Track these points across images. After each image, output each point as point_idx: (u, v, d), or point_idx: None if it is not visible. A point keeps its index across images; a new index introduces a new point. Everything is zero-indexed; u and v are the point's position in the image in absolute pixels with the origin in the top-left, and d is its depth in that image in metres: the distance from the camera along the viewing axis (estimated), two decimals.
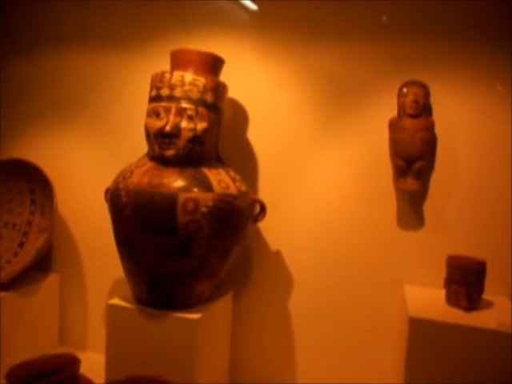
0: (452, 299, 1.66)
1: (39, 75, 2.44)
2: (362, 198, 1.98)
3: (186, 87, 1.73)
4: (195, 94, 1.73)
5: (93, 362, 1.98)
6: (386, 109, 1.88)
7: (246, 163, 2.09)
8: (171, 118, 1.69)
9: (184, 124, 1.69)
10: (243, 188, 1.80)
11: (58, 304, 2.39)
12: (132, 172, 1.73)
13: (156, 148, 1.72)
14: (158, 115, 1.72)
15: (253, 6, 2.10)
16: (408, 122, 1.79)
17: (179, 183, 1.65)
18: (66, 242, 2.42)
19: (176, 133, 1.69)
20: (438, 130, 1.83)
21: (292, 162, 2.07)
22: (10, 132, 2.48)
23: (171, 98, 1.72)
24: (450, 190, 1.86)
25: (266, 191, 2.08)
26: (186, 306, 1.74)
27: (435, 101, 1.84)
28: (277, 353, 2.11)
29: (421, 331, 1.54)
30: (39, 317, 2.29)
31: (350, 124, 1.99)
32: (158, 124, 1.70)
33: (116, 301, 1.81)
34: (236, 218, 1.74)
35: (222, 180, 1.73)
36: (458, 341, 1.51)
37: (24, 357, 1.97)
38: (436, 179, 1.87)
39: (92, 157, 2.38)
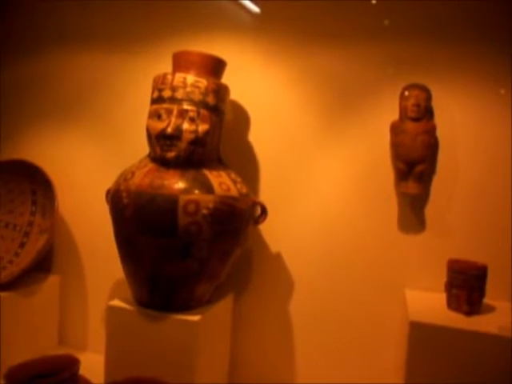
0: (453, 303, 1.65)
1: (41, 76, 2.45)
2: (363, 200, 1.97)
3: (188, 89, 1.73)
4: (197, 96, 1.73)
5: (93, 363, 1.97)
6: (388, 112, 1.88)
7: (247, 165, 2.09)
8: (173, 119, 1.69)
9: (185, 126, 1.69)
10: (244, 190, 1.79)
11: (58, 305, 2.39)
12: (133, 173, 1.73)
13: (157, 150, 1.72)
14: (159, 117, 1.72)
15: (255, 9, 2.11)
16: (409, 126, 1.78)
17: (180, 185, 1.65)
18: (67, 243, 2.42)
19: (177, 135, 1.69)
20: (439, 133, 1.83)
21: (293, 164, 2.06)
22: (12, 132, 2.49)
23: (173, 99, 1.73)
24: (451, 194, 1.86)
25: (267, 193, 2.08)
26: (187, 307, 1.74)
27: (437, 104, 1.84)
28: (277, 355, 2.11)
29: (421, 335, 1.53)
30: (39, 317, 2.29)
31: (351, 127, 1.99)
32: (159, 126, 1.71)
33: (116, 302, 1.80)
34: (237, 220, 1.73)
35: (222, 182, 1.73)
36: (459, 345, 1.50)
37: (24, 357, 1.96)
38: (437, 183, 1.87)
39: (93, 158, 2.38)
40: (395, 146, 1.83)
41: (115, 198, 1.73)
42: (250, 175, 2.08)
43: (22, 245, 2.31)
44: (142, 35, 2.24)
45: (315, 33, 2.02)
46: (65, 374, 1.50)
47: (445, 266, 1.70)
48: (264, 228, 2.08)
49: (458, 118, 1.85)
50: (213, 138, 1.79)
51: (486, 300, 1.67)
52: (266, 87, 2.09)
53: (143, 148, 1.85)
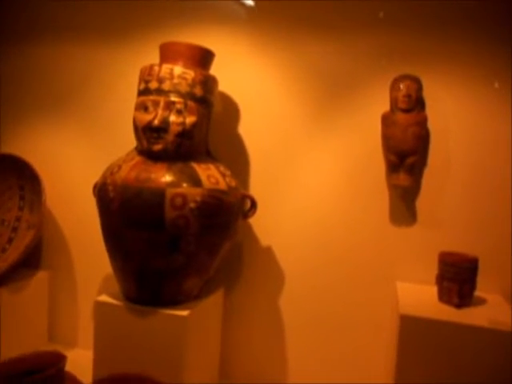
0: (444, 296, 1.64)
1: (30, 70, 2.40)
2: (355, 193, 1.95)
3: (175, 80, 1.70)
4: (184, 88, 1.70)
5: (82, 360, 1.96)
6: (379, 103, 1.85)
7: (237, 158, 2.06)
8: (159, 111, 1.66)
9: (172, 118, 1.66)
10: (233, 183, 1.77)
11: (47, 301, 2.36)
12: (120, 167, 1.70)
13: (144, 142, 1.69)
14: (146, 109, 1.69)
15: (245, 0, 2.07)
16: (400, 117, 1.76)
17: (167, 178, 1.62)
18: (56, 238, 2.39)
19: (164, 127, 1.66)
20: (431, 124, 1.81)
21: (284, 157, 2.04)
22: (1, 127, 2.45)
23: (160, 91, 1.69)
24: (443, 186, 1.84)
25: (257, 187, 2.06)
26: (175, 302, 1.71)
27: (428, 95, 1.81)
28: (268, 350, 2.09)
29: (412, 329, 1.52)
30: (28, 314, 2.26)
31: (342, 119, 1.96)
32: (146, 118, 1.67)
33: (104, 297, 1.78)
34: (225, 214, 1.71)
35: (211, 175, 1.70)
36: (449, 338, 1.49)
37: (13, 354, 1.95)
38: (429, 175, 1.85)
39: (83, 151, 2.35)
40: (386, 138, 1.81)
41: (101, 192, 1.70)
42: (240, 168, 2.05)
43: (9, 240, 2.28)
44: (133, 27, 2.20)
45: (307, 24, 1.98)
46: (51, 371, 1.47)
47: (436, 258, 1.69)
48: (254, 222, 2.05)
49: (450, 110, 1.83)
50: (201, 131, 1.76)
51: (478, 293, 1.66)
52: (257, 79, 2.06)
53: (133, 141, 1.81)
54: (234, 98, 2.07)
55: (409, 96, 1.74)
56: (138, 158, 1.71)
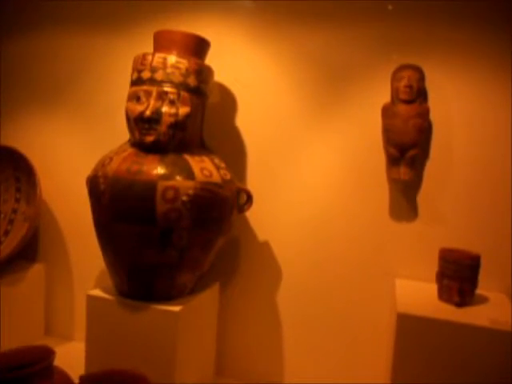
0: (444, 294, 1.58)
1: (24, 61, 2.36)
2: (354, 187, 1.90)
3: (168, 70, 1.65)
4: (177, 78, 1.65)
5: (79, 353, 1.93)
6: (380, 95, 1.79)
7: (233, 150, 2.02)
8: (152, 102, 1.62)
9: (165, 109, 1.62)
10: (228, 176, 1.72)
11: (43, 294, 2.35)
12: (111, 159, 1.66)
13: (136, 134, 1.65)
14: (138, 99, 1.65)
15: None
16: (401, 108, 1.70)
17: (159, 170, 1.57)
18: (53, 231, 2.36)
19: (156, 118, 1.61)
20: (433, 116, 1.74)
21: (282, 149, 1.99)
22: None
23: (152, 81, 1.65)
24: (445, 180, 1.78)
25: (254, 180, 2.01)
26: (167, 297, 1.68)
27: (431, 86, 1.75)
28: (265, 346, 2.05)
29: (409, 328, 1.46)
30: (24, 306, 2.25)
31: (342, 111, 1.90)
32: (138, 108, 1.63)
33: (96, 292, 1.75)
34: (219, 208, 1.66)
35: (204, 168, 1.66)
36: (448, 338, 1.43)
37: (9, 347, 1.94)
38: (431, 168, 1.79)
39: (79, 144, 2.31)
40: (386, 130, 1.75)
41: (92, 184, 1.67)
42: (237, 161, 2.00)
43: (6, 232, 2.26)
44: (127, 16, 2.15)
45: (305, 14, 1.92)
46: (39, 366, 1.45)
47: (437, 255, 1.63)
48: (251, 216, 2.01)
49: (454, 101, 1.76)
50: (195, 122, 1.71)
51: (479, 291, 1.60)
52: (254, 70, 2.00)
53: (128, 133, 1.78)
54: (231, 88, 2.02)
55: (410, 86, 1.68)
56: (130, 150, 1.67)
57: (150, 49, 1.80)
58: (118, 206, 1.57)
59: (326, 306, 1.95)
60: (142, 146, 1.65)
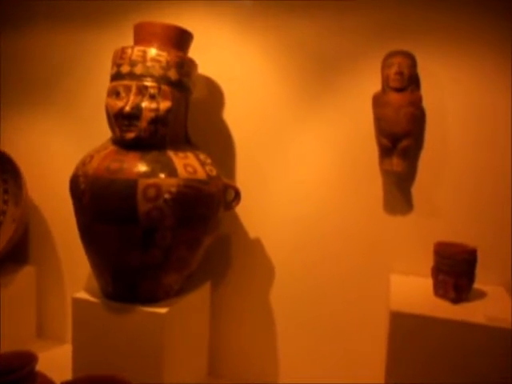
0: (439, 290, 1.52)
1: (7, 61, 2.30)
2: (347, 180, 1.83)
3: (148, 63, 1.59)
4: (157, 71, 1.59)
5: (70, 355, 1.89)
6: (371, 83, 1.72)
7: (221, 146, 1.96)
8: (131, 97, 1.56)
9: (145, 104, 1.56)
10: (214, 172, 1.66)
11: (35, 296, 2.31)
12: (92, 157, 1.61)
13: (117, 130, 1.60)
14: (117, 95, 1.59)
15: None
16: (392, 97, 1.62)
17: (140, 168, 1.52)
18: (43, 232, 2.32)
19: (136, 113, 1.55)
20: (426, 104, 1.67)
21: (271, 143, 1.92)
22: None
23: (132, 75, 1.59)
24: (440, 171, 1.70)
25: (243, 175, 1.95)
26: (154, 299, 1.63)
27: (423, 72, 1.67)
28: (259, 346, 2.00)
29: (403, 326, 1.40)
30: (16, 309, 2.21)
31: (331, 101, 1.83)
32: (117, 104, 1.57)
33: (81, 294, 1.71)
34: (204, 205, 1.61)
35: (188, 164, 1.60)
36: (444, 336, 1.37)
37: (2, 350, 1.90)
38: (425, 159, 1.72)
39: (67, 144, 2.26)
40: (378, 120, 1.68)
41: (73, 184, 1.62)
42: (225, 156, 1.94)
43: None
44: (110, 10, 2.08)
45: (292, 3, 1.84)
46: (21, 372, 1.41)
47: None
48: (242, 213, 1.95)
49: (448, 88, 1.68)
50: (177, 117, 1.65)
51: (477, 285, 1.53)
52: (241, 61, 1.93)
53: None
54: (218, 81, 1.95)
55: (401, 73, 1.60)
56: (111, 148, 1.62)
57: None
58: (99, 205, 1.52)
59: (321, 304, 1.89)
60: (122, 143, 1.59)
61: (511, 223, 1.62)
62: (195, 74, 1.75)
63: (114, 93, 1.60)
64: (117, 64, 1.63)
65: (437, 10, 1.67)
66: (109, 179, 1.51)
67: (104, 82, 2.11)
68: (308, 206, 1.88)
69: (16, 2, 2.26)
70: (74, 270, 2.28)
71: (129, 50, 1.62)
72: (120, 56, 1.63)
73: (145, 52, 1.60)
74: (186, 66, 1.66)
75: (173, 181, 1.52)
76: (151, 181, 1.50)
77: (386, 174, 1.74)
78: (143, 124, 1.55)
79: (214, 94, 1.95)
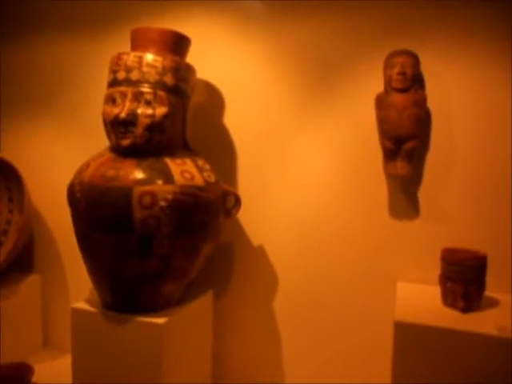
0: (447, 299, 1.45)
1: (10, 70, 2.31)
2: (350, 185, 1.77)
3: (144, 69, 1.57)
4: (153, 77, 1.56)
5: None
6: (375, 85, 1.67)
7: (222, 151, 1.92)
8: (127, 103, 1.54)
9: (141, 110, 1.53)
10: (212, 178, 1.62)
11: (40, 305, 2.30)
12: (88, 165, 1.59)
13: (113, 137, 1.57)
14: (114, 101, 1.57)
15: None
16: (395, 98, 1.57)
17: (135, 175, 1.49)
18: (48, 241, 2.31)
19: (132, 120, 1.53)
20: (431, 104, 1.61)
21: (272, 148, 1.88)
22: None
23: (128, 81, 1.57)
24: (447, 174, 1.64)
25: (245, 181, 1.91)
26: (153, 308, 1.59)
27: (428, 72, 1.62)
28: (263, 354, 1.95)
29: (407, 336, 1.34)
30: (21, 319, 2.20)
31: (333, 104, 1.79)
32: (113, 111, 1.55)
33: (80, 304, 1.68)
34: (202, 212, 1.57)
35: (185, 170, 1.56)
36: (452, 348, 1.30)
37: (7, 360, 1.90)
38: (431, 162, 1.65)
39: (69, 153, 2.25)
40: (381, 122, 1.62)
41: (70, 193, 1.60)
42: (226, 162, 1.91)
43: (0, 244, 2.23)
44: (109, 18, 2.07)
45: (292, 3, 1.81)
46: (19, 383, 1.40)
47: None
48: (244, 220, 1.92)
49: (453, 87, 1.62)
50: (174, 123, 1.62)
51: (488, 293, 1.46)
52: (241, 65, 1.90)
53: None
54: (218, 86, 1.92)
55: (403, 73, 1.54)
56: (107, 155, 1.60)
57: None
58: (94, 214, 1.50)
59: (325, 312, 1.83)
60: (119, 151, 1.57)
61: None
62: (193, 79, 1.72)
63: (111, 100, 1.58)
64: (113, 70, 1.61)
65: (441, 8, 1.62)
66: (104, 187, 1.48)
67: (104, 90, 2.11)
68: (311, 211, 1.83)
69: (15, 13, 2.28)
70: (79, 279, 2.25)
71: (125, 56, 1.60)
72: (116, 62, 1.61)
73: (141, 58, 1.58)
74: (182, 71, 1.63)
75: (169, 188, 1.49)
76: (146, 188, 1.47)
77: (391, 177, 1.68)
78: (139, 130, 1.53)
79: (214, 99, 1.92)
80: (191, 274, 1.65)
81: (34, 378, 1.65)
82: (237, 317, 1.97)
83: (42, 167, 2.28)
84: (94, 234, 1.52)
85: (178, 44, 1.69)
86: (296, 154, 1.85)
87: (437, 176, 1.65)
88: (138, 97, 1.55)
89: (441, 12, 1.61)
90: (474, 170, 1.60)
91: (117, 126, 1.54)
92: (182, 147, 1.70)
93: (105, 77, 2.08)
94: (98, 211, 1.48)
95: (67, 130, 2.25)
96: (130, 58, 1.59)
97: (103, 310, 1.62)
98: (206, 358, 1.88)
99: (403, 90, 1.56)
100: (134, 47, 1.67)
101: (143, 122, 1.53)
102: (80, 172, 1.59)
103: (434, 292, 1.53)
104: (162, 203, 1.47)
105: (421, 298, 1.53)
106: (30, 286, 2.24)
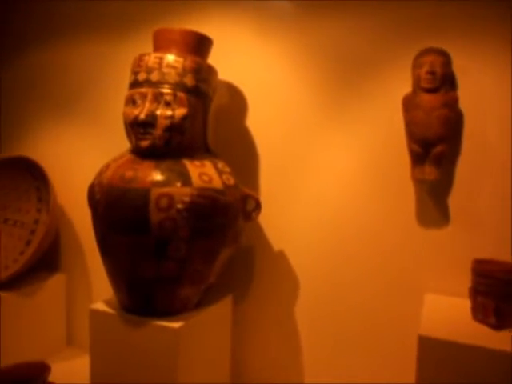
0: (478, 314, 1.35)
1: (39, 72, 2.37)
2: (375, 190, 1.70)
3: (164, 70, 1.56)
4: (173, 78, 1.55)
5: None
6: (402, 86, 1.59)
7: (244, 154, 1.89)
8: (147, 104, 1.53)
9: (160, 111, 1.52)
10: (231, 181, 1.59)
11: (64, 304, 2.34)
12: (108, 166, 1.59)
13: (132, 139, 1.57)
14: (134, 102, 1.56)
15: None
16: (423, 98, 1.48)
17: (153, 177, 1.48)
18: (73, 241, 2.35)
19: (151, 121, 1.51)
20: (464, 106, 1.52)
21: (296, 151, 1.82)
22: (14, 129, 2.45)
23: (148, 82, 1.56)
24: (480, 179, 1.54)
25: (267, 184, 1.87)
26: (170, 312, 1.57)
27: (460, 71, 1.52)
28: (283, 361, 1.89)
29: (432, 352, 1.25)
30: (46, 317, 2.24)
31: (359, 106, 1.72)
32: (133, 112, 1.54)
33: (98, 305, 1.68)
34: (220, 216, 1.53)
35: (204, 173, 1.54)
36: (481, 367, 1.20)
37: (32, 358, 1.93)
38: (463, 166, 1.56)
39: (96, 153, 2.27)
40: (408, 124, 1.54)
41: (90, 194, 1.61)
42: (248, 165, 1.88)
43: (28, 243, 2.27)
44: (134, 19, 2.08)
45: (316, 3, 1.75)
46: (34, 383, 1.41)
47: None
48: (265, 223, 1.87)
49: (488, 87, 1.52)
50: (194, 124, 1.60)
51: None
52: (264, 67, 1.86)
53: None
54: (241, 88, 1.89)
55: (433, 73, 1.46)
56: (127, 157, 1.59)
57: None
58: (112, 215, 1.49)
59: (348, 322, 1.76)
60: (138, 152, 1.56)
61: None
62: (214, 80, 1.69)
63: (131, 101, 1.57)
64: (134, 72, 1.61)
65: (475, 5, 1.52)
66: (122, 188, 1.48)
67: (125, 91, 2.12)
68: (333, 216, 1.76)
69: (40, 17, 2.32)
70: (103, 279, 2.27)
71: (146, 57, 1.60)
72: (138, 64, 1.61)
73: (161, 59, 1.57)
74: (203, 72, 1.61)
75: (186, 190, 1.47)
76: (164, 190, 1.45)
77: (418, 183, 1.59)
78: (158, 132, 1.51)
79: (236, 101, 1.89)
80: (209, 278, 1.62)
81: (54, 377, 1.66)
82: (257, 322, 1.93)
83: (67, 168, 2.32)
84: (111, 236, 1.52)
85: (199, 44, 1.66)
86: (319, 156, 1.79)
87: (469, 181, 1.55)
88: (157, 98, 1.53)
89: (475, 9, 1.51)
90: (510, 176, 1.49)
91: (136, 128, 1.53)
92: (202, 149, 1.67)
93: (128, 78, 2.10)
94: (116, 212, 1.48)
95: (92, 131, 2.27)
96: (151, 59, 1.58)
97: (121, 312, 1.61)
98: (223, 362, 1.84)
99: (432, 90, 1.47)
100: (156, 48, 1.66)
101: (162, 123, 1.51)
102: (100, 173, 1.59)
103: (464, 306, 1.43)
104: (179, 206, 1.45)
105: (449, 312, 1.43)
106: (55, 284, 2.28)
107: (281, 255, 1.87)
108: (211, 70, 1.66)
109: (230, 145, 1.87)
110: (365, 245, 1.71)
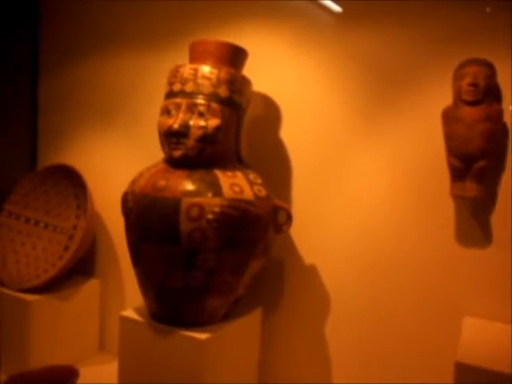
0: None
1: (78, 84, 2.44)
2: (413, 205, 1.63)
3: (199, 81, 1.57)
4: (207, 88, 1.56)
5: None
6: (442, 98, 1.52)
7: (277, 165, 1.87)
8: (180, 115, 1.54)
9: (193, 121, 1.53)
10: (262, 193, 1.57)
11: (98, 309, 2.38)
12: (142, 175, 1.61)
13: (166, 148, 1.59)
14: (168, 113, 1.58)
15: None
16: (465, 111, 1.42)
17: (184, 186, 1.48)
18: (108, 247, 2.40)
19: (184, 131, 1.53)
20: (509, 119, 1.43)
21: (331, 164, 1.79)
22: (53, 138, 2.55)
23: (183, 93, 1.58)
24: None
25: (300, 196, 1.84)
26: (198, 323, 1.57)
27: (506, 84, 1.44)
28: (310, 377, 1.84)
29: (470, 381, 1.17)
30: (80, 321, 2.28)
31: (396, 119, 1.66)
32: (167, 122, 1.57)
33: (128, 313, 1.70)
34: (251, 227, 1.52)
35: (235, 184, 1.53)
36: None
37: (64, 361, 1.97)
38: (508, 182, 1.47)
39: (132, 162, 2.32)
40: (448, 139, 1.47)
41: (123, 202, 1.63)
42: (281, 177, 1.85)
43: (66, 248, 2.34)
44: (171, 32, 2.12)
45: (353, 12, 1.73)
46: None
47: None
48: (297, 236, 1.84)
49: None
50: (227, 135, 1.60)
51: None
52: (298, 79, 1.83)
53: None
54: (276, 99, 1.88)
55: (475, 85, 1.39)
56: (161, 166, 1.61)
57: None
58: (143, 224, 1.51)
59: (380, 342, 1.69)
60: (171, 162, 1.58)
61: None
62: (248, 91, 1.69)
63: (166, 111, 1.59)
64: (170, 82, 1.64)
65: None
66: (154, 197, 1.49)
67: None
68: (368, 231, 1.71)
69: (83, 33, 2.41)
70: (136, 286, 2.30)
71: (181, 69, 1.62)
72: (174, 75, 1.63)
73: (196, 70, 1.59)
74: (237, 83, 1.61)
75: (217, 200, 1.46)
76: (195, 200, 1.46)
77: (459, 199, 1.51)
78: (191, 142, 1.53)
79: (271, 112, 1.88)
80: (238, 290, 1.61)
81: (83, 381, 1.69)
82: (286, 336, 1.89)
83: (104, 176, 2.37)
84: (142, 243, 1.53)
85: (234, 56, 1.67)
86: (352, 169, 1.74)
87: None
88: (191, 108, 1.55)
89: None
90: None
91: (170, 137, 1.55)
92: (235, 160, 1.67)
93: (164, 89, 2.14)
94: (147, 221, 1.49)
95: (129, 141, 2.32)
96: (186, 71, 1.60)
97: (149, 320, 1.62)
98: (250, 375, 1.81)
99: (474, 103, 1.40)
100: (192, 59, 1.69)
101: (195, 133, 1.52)
102: (134, 182, 1.62)
103: (506, 331, 1.34)
104: (209, 216, 1.45)
105: (489, 337, 1.35)
106: (89, 289, 2.33)
107: (312, 269, 1.83)
108: (245, 82, 1.66)
109: (263, 156, 1.86)
110: (400, 262, 1.65)
